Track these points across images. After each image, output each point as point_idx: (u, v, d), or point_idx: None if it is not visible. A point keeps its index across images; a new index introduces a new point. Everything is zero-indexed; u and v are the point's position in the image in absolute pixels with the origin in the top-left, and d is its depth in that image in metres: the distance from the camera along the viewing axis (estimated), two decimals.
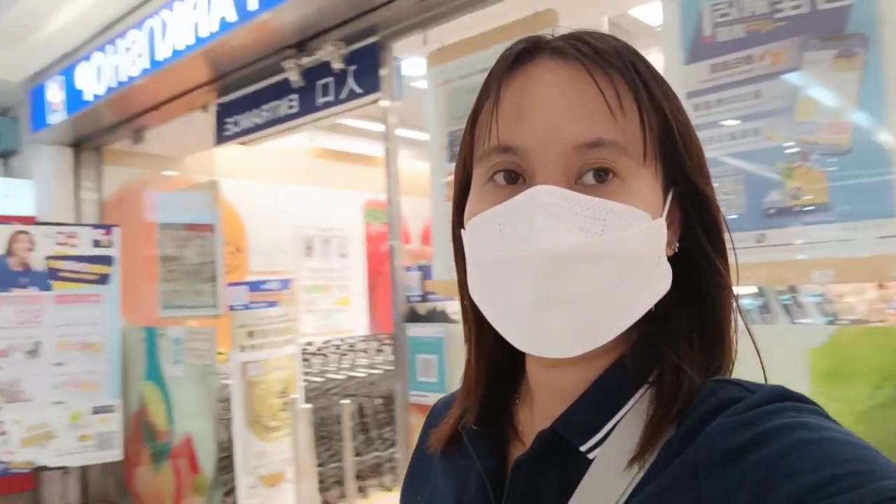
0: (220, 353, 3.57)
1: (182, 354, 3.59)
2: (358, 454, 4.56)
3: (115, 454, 3.80)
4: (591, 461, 0.48)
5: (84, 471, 4.23)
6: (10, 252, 3.70)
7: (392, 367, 2.28)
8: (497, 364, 0.57)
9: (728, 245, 0.53)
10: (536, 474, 0.50)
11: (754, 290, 3.15)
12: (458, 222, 0.56)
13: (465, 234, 0.52)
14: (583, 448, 0.48)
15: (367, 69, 2.55)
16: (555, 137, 0.47)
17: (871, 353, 1.35)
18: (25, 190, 4.46)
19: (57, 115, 3.94)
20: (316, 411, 4.55)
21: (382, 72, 2.50)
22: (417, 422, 2.16)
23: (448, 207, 2.25)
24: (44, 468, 3.65)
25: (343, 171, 5.75)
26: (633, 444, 0.46)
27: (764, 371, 0.54)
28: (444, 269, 2.16)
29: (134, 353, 4.05)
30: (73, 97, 3.77)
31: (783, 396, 0.44)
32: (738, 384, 0.47)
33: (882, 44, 1.37)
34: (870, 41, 1.38)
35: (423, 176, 2.24)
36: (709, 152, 1.61)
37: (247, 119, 3.17)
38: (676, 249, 0.52)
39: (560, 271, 0.45)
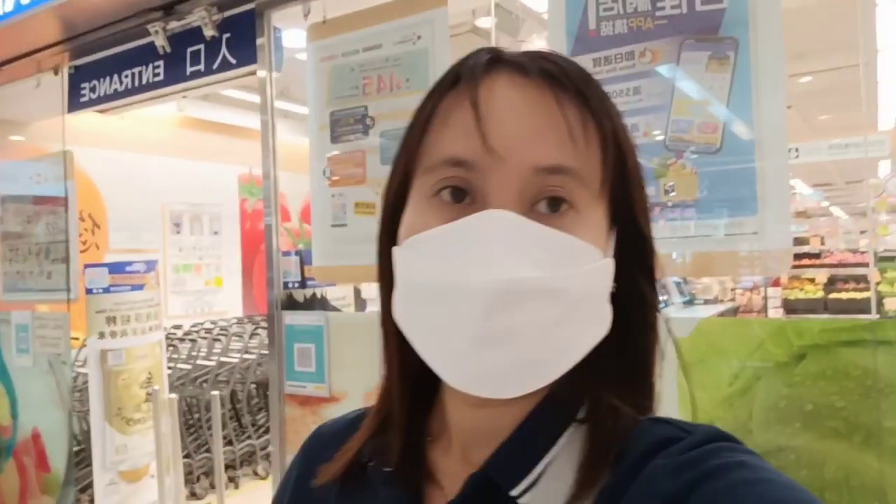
0: (75, 340, 3.28)
1: (29, 342, 3.25)
2: (229, 443, 4.37)
3: None
4: None
5: None
6: None
7: (267, 351, 2.17)
8: (416, 401, 0.52)
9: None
10: None
11: None
12: (387, 239, 0.50)
13: (400, 253, 0.47)
14: (513, 493, 0.45)
15: (242, 38, 2.38)
16: (513, 157, 0.43)
17: (730, 343, 1.43)
18: None
19: None
20: (184, 400, 4.31)
21: (259, 41, 2.35)
22: (293, 414, 2.07)
23: (330, 192, 2.12)
24: None
25: (215, 142, 5.42)
26: (566, 488, 0.43)
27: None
28: (325, 255, 2.07)
29: None
30: None
31: (718, 436, 0.43)
32: (672, 423, 0.45)
33: (751, 48, 1.43)
34: (740, 45, 1.44)
35: (304, 150, 2.12)
36: None
37: (105, 85, 2.88)
38: (613, 290, 0.49)
39: (511, 306, 0.41)
